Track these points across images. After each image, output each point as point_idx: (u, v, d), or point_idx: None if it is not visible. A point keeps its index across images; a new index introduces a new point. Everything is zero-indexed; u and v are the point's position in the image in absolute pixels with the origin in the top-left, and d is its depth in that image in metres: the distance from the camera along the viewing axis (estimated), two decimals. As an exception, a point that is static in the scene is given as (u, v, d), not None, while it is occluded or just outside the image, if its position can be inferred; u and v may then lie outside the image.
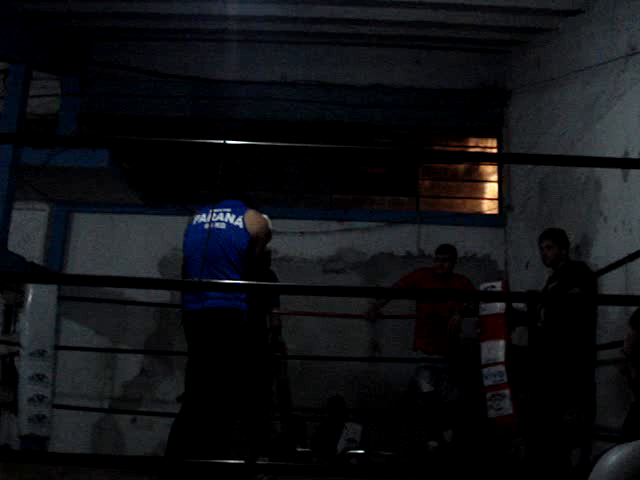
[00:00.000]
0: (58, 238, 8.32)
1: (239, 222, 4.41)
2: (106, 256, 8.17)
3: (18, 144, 6.65)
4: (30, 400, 6.21)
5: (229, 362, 4.20)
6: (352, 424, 7.05)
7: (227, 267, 4.29)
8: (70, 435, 7.57)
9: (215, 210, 4.47)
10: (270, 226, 4.66)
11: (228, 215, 4.44)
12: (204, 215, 4.51)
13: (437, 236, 7.61)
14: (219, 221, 4.41)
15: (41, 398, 5.91)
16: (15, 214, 7.07)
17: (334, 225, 8.33)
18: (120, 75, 8.56)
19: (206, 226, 4.39)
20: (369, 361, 7.85)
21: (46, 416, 5.90)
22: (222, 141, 2.32)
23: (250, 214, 4.49)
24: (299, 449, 6.81)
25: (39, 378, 5.91)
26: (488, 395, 5.69)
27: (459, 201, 8.77)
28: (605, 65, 5.85)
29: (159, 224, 8.21)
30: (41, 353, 5.96)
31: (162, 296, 7.51)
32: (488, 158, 7.70)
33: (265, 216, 4.64)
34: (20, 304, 6.35)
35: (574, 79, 6.51)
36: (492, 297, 5.59)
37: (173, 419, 6.86)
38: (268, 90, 8.53)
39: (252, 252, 4.40)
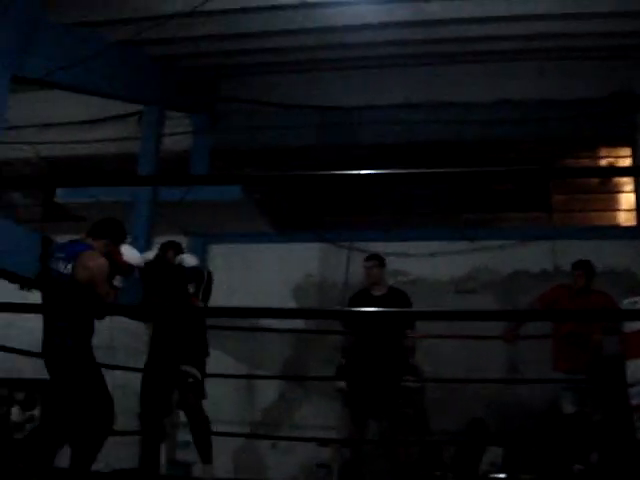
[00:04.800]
0: (196, 270, 8.59)
1: (68, 269, 4.34)
2: (241, 284, 8.28)
3: (155, 185, 6.99)
4: (176, 426, 6.46)
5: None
6: (493, 447, 6.90)
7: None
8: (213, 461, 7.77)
9: (55, 256, 4.44)
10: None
11: (60, 263, 4.38)
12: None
13: (573, 251, 7.34)
14: (55, 269, 4.38)
15: (187, 425, 6.10)
16: (155, 248, 7.39)
17: (465, 245, 8.21)
18: (247, 109, 8.85)
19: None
20: (508, 383, 7.65)
21: (191, 442, 6.09)
22: (357, 172, 2.38)
23: (85, 255, 4.37)
24: (437, 473, 6.74)
25: (185, 405, 6.11)
26: (636, 416, 5.44)
27: (594, 214, 8.48)
28: None
29: (291, 251, 8.36)
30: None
31: (296, 322, 7.60)
32: (624, 173, 7.35)
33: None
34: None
35: None
36: (634, 315, 5.30)
37: (312, 443, 7.02)
38: (392, 113, 8.58)
39: (93, 293, 4.33)
